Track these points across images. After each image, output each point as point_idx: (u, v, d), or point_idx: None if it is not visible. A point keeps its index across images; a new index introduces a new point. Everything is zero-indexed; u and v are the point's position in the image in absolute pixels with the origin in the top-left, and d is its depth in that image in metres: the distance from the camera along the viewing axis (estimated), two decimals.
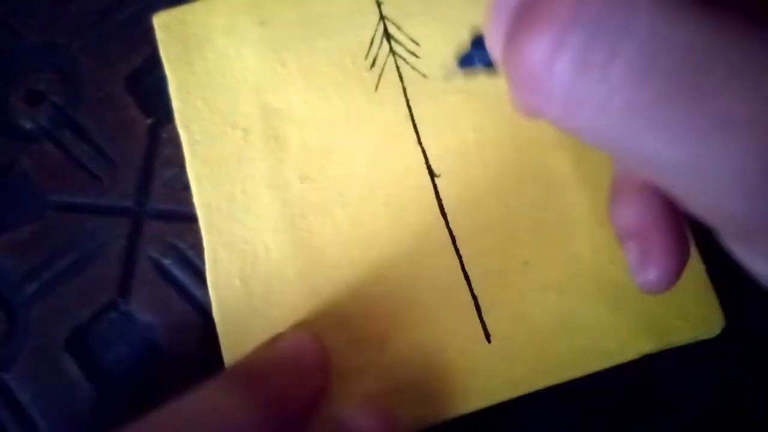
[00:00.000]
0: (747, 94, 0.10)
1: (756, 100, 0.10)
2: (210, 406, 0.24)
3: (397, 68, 0.32)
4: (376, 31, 0.32)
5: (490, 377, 0.28)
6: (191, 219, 0.31)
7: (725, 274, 0.24)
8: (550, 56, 0.12)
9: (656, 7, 0.11)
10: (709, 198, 0.12)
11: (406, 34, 0.32)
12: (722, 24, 0.11)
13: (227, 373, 0.26)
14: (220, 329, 0.29)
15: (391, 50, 0.32)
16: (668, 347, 0.28)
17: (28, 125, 0.34)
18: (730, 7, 0.11)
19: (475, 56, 0.18)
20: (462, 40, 0.19)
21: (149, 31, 0.34)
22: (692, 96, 0.11)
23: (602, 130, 0.12)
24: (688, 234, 0.20)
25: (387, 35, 0.32)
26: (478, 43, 0.18)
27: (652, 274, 0.20)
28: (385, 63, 0.32)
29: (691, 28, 0.11)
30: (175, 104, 0.31)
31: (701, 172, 0.11)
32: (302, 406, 0.26)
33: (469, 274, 0.29)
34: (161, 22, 0.33)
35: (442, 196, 0.30)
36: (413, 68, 0.31)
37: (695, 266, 0.29)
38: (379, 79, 0.31)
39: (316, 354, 0.27)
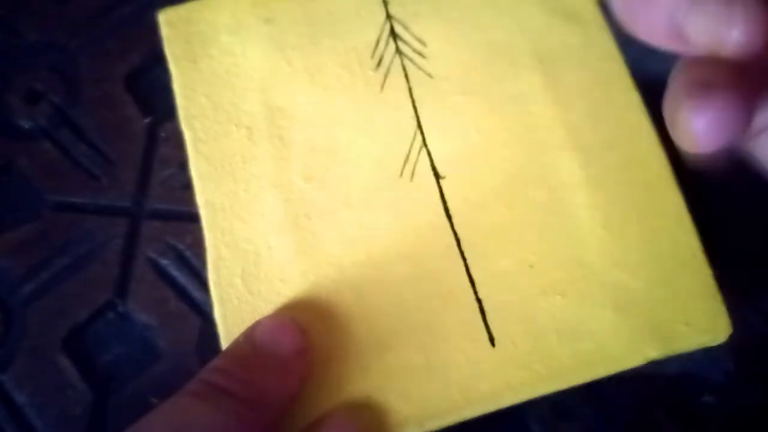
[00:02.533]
0: None
1: None
2: (181, 418, 0.25)
3: (404, 68, 0.33)
4: (382, 30, 0.33)
5: (494, 381, 0.29)
6: (190, 219, 0.32)
7: (733, 280, 0.26)
8: None
9: None
10: None
11: (412, 34, 0.33)
12: None
13: (201, 378, 0.27)
14: (221, 329, 0.30)
15: (398, 50, 0.33)
16: (674, 353, 0.29)
17: (26, 124, 0.35)
18: None
19: None
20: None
21: (147, 30, 0.35)
22: None
23: None
24: None
25: (393, 35, 0.33)
26: None
27: (702, 121, 0.19)
28: (391, 63, 0.33)
29: None
30: (179, 101, 0.33)
31: None
32: (282, 399, 0.27)
33: (473, 276, 0.30)
34: (166, 18, 0.34)
35: (447, 197, 0.31)
36: (419, 68, 0.33)
37: (702, 271, 0.30)
38: (384, 79, 0.33)
39: (295, 338, 0.28)
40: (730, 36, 0.18)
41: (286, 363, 0.28)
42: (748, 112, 0.19)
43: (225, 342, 0.30)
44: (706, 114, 0.18)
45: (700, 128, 0.18)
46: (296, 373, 0.28)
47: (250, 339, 0.28)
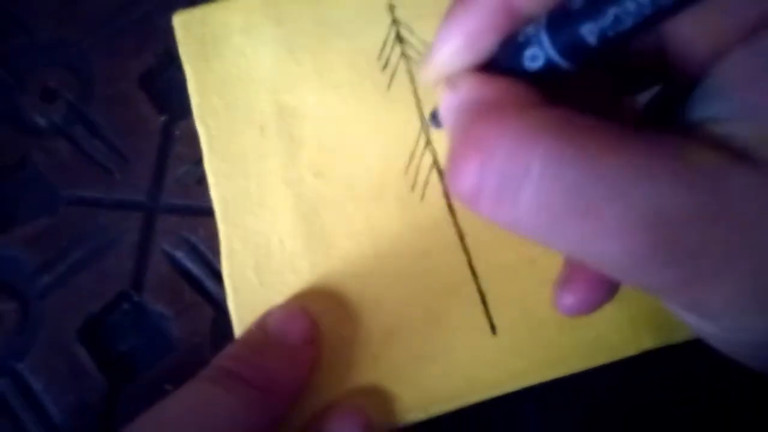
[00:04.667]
0: (618, 211, 0.15)
1: (623, 215, 0.15)
2: (198, 401, 0.27)
3: (409, 70, 0.34)
4: (388, 34, 0.35)
5: (495, 369, 0.30)
6: (203, 213, 0.34)
7: None
8: (476, 189, 0.17)
9: (546, 155, 0.16)
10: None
11: (417, 37, 0.35)
12: (600, 160, 0.15)
13: (216, 364, 0.28)
14: (234, 318, 0.31)
15: (403, 53, 0.34)
16: (669, 343, 0.31)
17: (41, 122, 0.37)
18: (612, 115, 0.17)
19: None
20: None
21: (161, 30, 0.36)
22: (581, 215, 0.16)
23: (521, 231, 0.17)
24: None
25: (399, 39, 0.35)
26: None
27: (568, 300, 0.24)
28: (397, 65, 0.34)
29: (574, 169, 0.15)
30: (194, 100, 0.34)
31: (597, 261, 0.17)
32: (292, 386, 0.29)
33: (476, 269, 0.31)
34: (181, 20, 0.35)
35: (450, 193, 0.32)
36: None
37: None
38: (391, 80, 0.34)
39: (305, 328, 0.30)
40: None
41: (297, 351, 0.29)
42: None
43: (238, 331, 0.31)
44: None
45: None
46: (306, 361, 0.30)
47: (262, 327, 0.29)
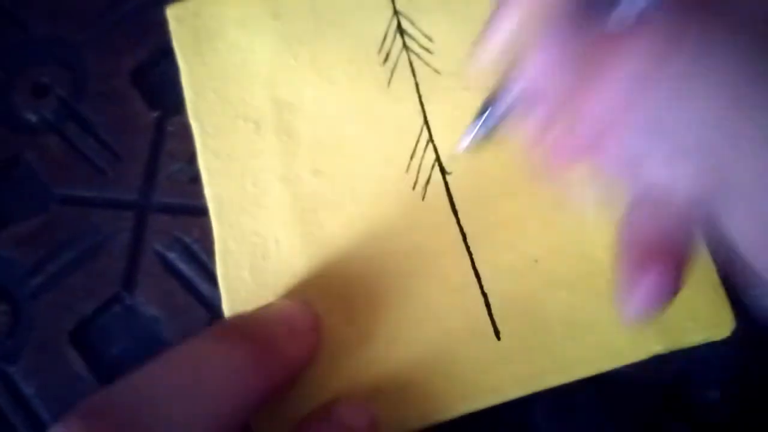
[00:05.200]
0: None
1: None
2: (202, 353, 0.26)
3: (410, 64, 0.33)
4: (389, 25, 0.34)
5: (500, 375, 0.29)
6: (197, 213, 0.33)
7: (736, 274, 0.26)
8: None
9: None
10: None
11: (419, 30, 0.34)
12: None
13: (222, 322, 0.28)
14: None
15: (405, 46, 0.34)
16: (678, 348, 0.30)
17: (32, 118, 0.36)
18: None
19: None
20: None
21: (155, 25, 0.35)
22: None
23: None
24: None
25: (400, 30, 0.34)
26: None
27: (640, 293, 0.23)
28: (398, 58, 0.33)
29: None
30: (187, 96, 0.33)
31: None
32: (293, 361, 0.28)
33: (479, 271, 0.30)
34: (174, 13, 0.34)
35: (453, 193, 0.31)
36: (426, 64, 0.33)
37: (706, 267, 0.30)
38: (391, 75, 0.33)
39: (307, 318, 0.29)
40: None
41: (299, 334, 0.28)
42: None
43: None
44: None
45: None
46: (307, 345, 0.28)
47: (264, 311, 0.28)
